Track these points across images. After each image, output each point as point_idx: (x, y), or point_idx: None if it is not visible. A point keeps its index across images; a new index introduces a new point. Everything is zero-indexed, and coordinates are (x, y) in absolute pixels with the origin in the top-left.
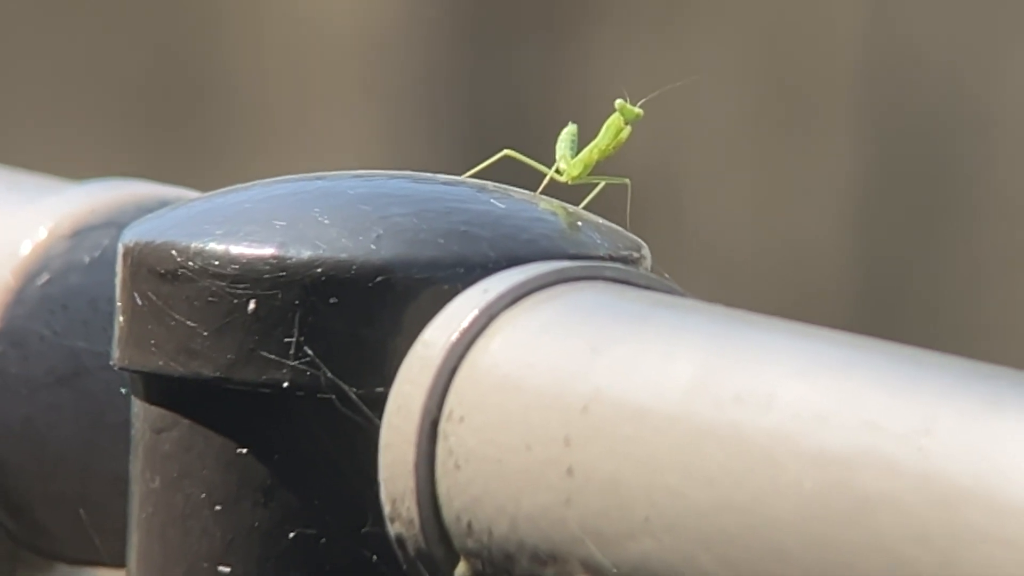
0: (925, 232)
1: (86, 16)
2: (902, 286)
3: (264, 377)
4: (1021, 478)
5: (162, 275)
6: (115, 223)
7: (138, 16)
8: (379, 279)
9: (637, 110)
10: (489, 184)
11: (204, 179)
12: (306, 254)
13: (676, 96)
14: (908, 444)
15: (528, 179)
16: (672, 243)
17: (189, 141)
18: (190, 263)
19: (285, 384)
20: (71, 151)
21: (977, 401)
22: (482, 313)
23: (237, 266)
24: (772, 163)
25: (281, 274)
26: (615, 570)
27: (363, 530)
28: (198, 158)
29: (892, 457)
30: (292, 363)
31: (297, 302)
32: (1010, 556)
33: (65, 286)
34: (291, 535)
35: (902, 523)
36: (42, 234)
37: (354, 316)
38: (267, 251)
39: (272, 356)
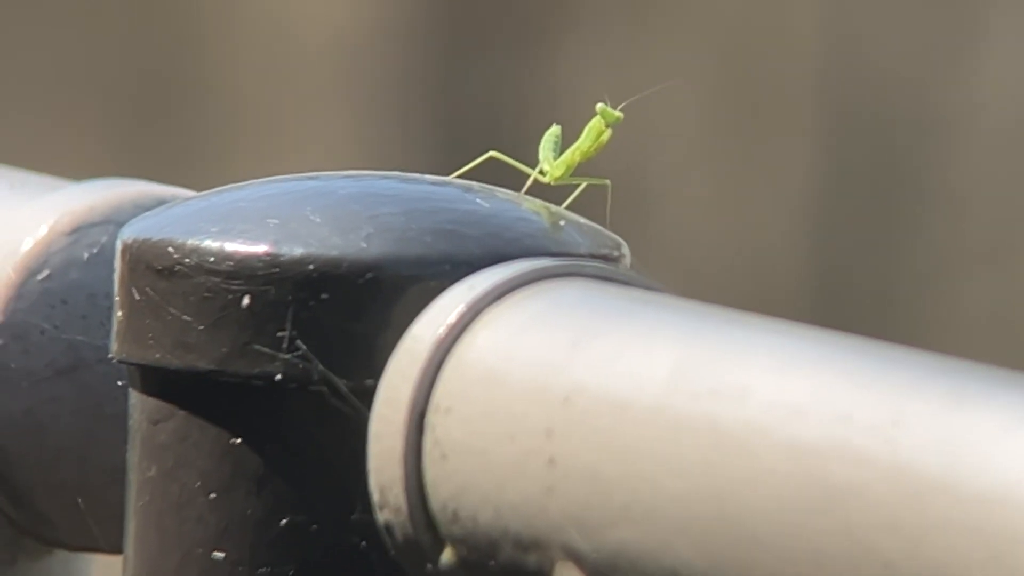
0: (879, 232)
1: (69, 21)
2: (857, 283)
3: (257, 370)
4: (984, 468)
5: (159, 271)
6: (113, 221)
7: (117, 20)
8: (369, 276)
9: (618, 113)
10: (475, 184)
11: (180, 181)
12: (298, 251)
13: (644, 102)
14: (877, 436)
15: (512, 180)
16: (641, 241)
17: (167, 143)
18: (186, 259)
19: (278, 377)
20: (49, 152)
21: (943, 394)
22: (468, 309)
23: (232, 263)
24: (736, 165)
25: (274, 270)
26: (595, 556)
27: (352, 517)
28: (175, 160)
29: (862, 448)
30: (284, 356)
31: (290, 297)
32: (974, 543)
33: (65, 281)
34: (283, 522)
35: (871, 512)
36: (43, 231)
37: (345, 311)
38: (261, 248)
39: (265, 350)
